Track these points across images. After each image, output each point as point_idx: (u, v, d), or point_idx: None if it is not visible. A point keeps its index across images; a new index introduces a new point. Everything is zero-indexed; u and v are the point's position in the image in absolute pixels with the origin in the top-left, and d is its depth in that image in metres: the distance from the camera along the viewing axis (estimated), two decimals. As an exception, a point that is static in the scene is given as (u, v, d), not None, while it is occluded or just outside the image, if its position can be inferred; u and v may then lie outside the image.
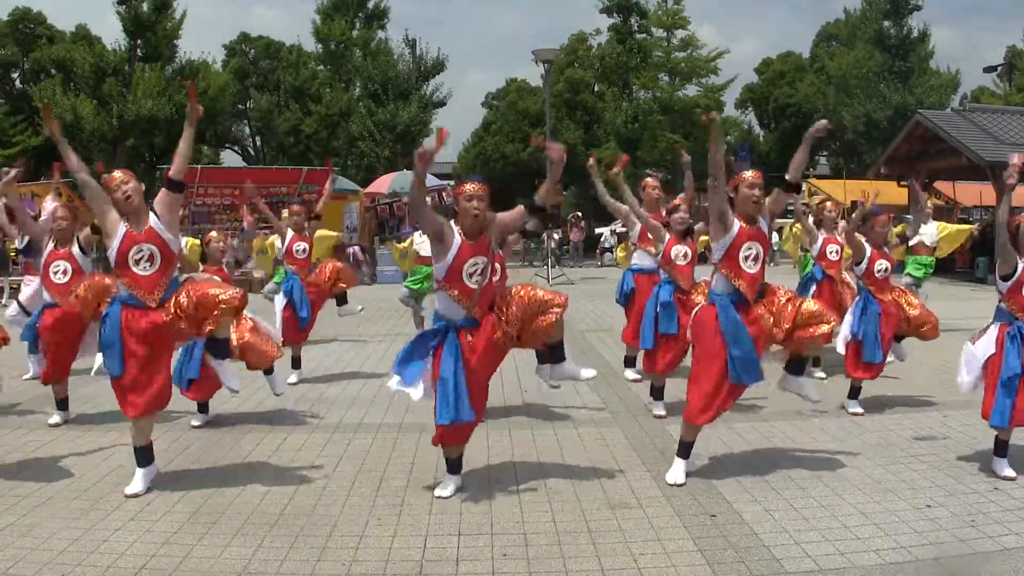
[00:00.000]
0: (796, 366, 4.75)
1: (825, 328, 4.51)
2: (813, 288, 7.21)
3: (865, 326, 6.00)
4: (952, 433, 5.47)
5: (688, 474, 4.62)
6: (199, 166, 21.73)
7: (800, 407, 5.86)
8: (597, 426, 5.78)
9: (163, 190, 4.49)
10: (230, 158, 38.22)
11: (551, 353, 4.62)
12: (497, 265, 4.44)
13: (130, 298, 4.37)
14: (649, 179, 7.27)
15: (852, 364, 6.09)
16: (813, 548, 3.65)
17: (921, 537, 3.75)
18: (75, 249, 5.98)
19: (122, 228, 4.37)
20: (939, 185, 22.62)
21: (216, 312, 4.27)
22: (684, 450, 4.64)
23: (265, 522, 4.04)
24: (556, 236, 25.12)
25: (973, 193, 23.15)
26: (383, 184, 23.06)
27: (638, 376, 7.23)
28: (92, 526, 3.98)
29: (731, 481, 4.57)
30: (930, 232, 9.65)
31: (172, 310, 4.31)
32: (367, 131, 28.07)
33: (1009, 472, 4.53)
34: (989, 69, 28.96)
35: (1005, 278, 4.65)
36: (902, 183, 21.17)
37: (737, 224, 4.50)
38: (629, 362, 7.57)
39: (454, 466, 4.49)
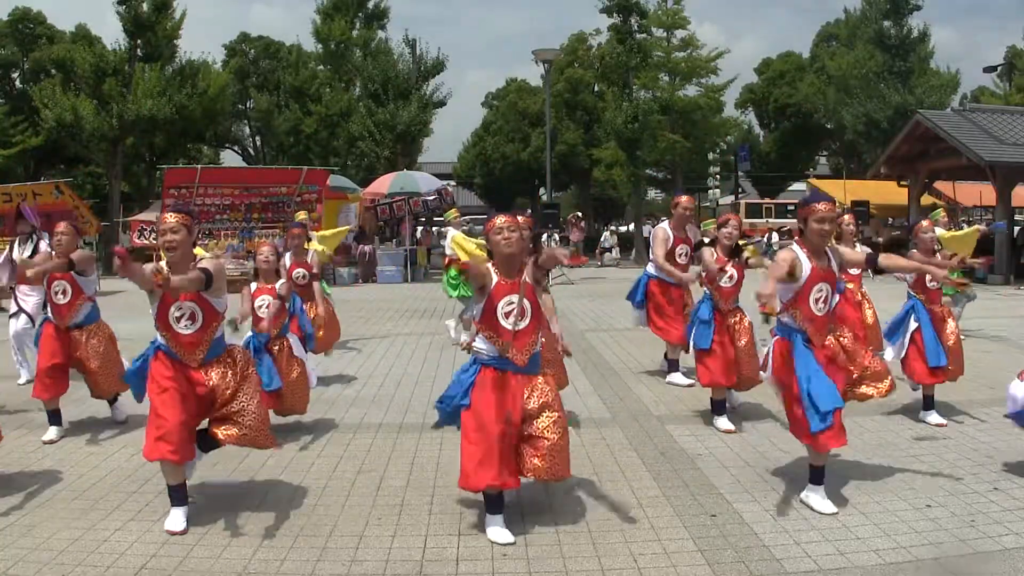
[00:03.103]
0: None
1: (884, 386, 4.52)
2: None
3: (925, 330, 5.81)
4: (952, 433, 5.47)
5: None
6: (199, 166, 21.72)
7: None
8: (597, 426, 5.77)
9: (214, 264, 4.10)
10: (230, 158, 38.33)
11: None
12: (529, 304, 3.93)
13: (169, 352, 4.08)
14: (683, 198, 7.02)
15: (921, 371, 5.80)
16: (813, 548, 3.65)
17: (921, 537, 3.75)
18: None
19: None
20: (939, 185, 22.61)
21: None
22: (818, 476, 4.21)
23: (265, 522, 4.04)
24: (556, 236, 25.13)
25: (973, 193, 23.15)
26: (383, 184, 23.05)
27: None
28: (92, 526, 3.99)
29: (731, 481, 4.57)
30: None
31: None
32: (367, 131, 28.03)
33: None
34: (989, 69, 28.99)
35: None
36: (902, 183, 21.18)
37: (808, 265, 4.18)
38: (674, 365, 7.18)
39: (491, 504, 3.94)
